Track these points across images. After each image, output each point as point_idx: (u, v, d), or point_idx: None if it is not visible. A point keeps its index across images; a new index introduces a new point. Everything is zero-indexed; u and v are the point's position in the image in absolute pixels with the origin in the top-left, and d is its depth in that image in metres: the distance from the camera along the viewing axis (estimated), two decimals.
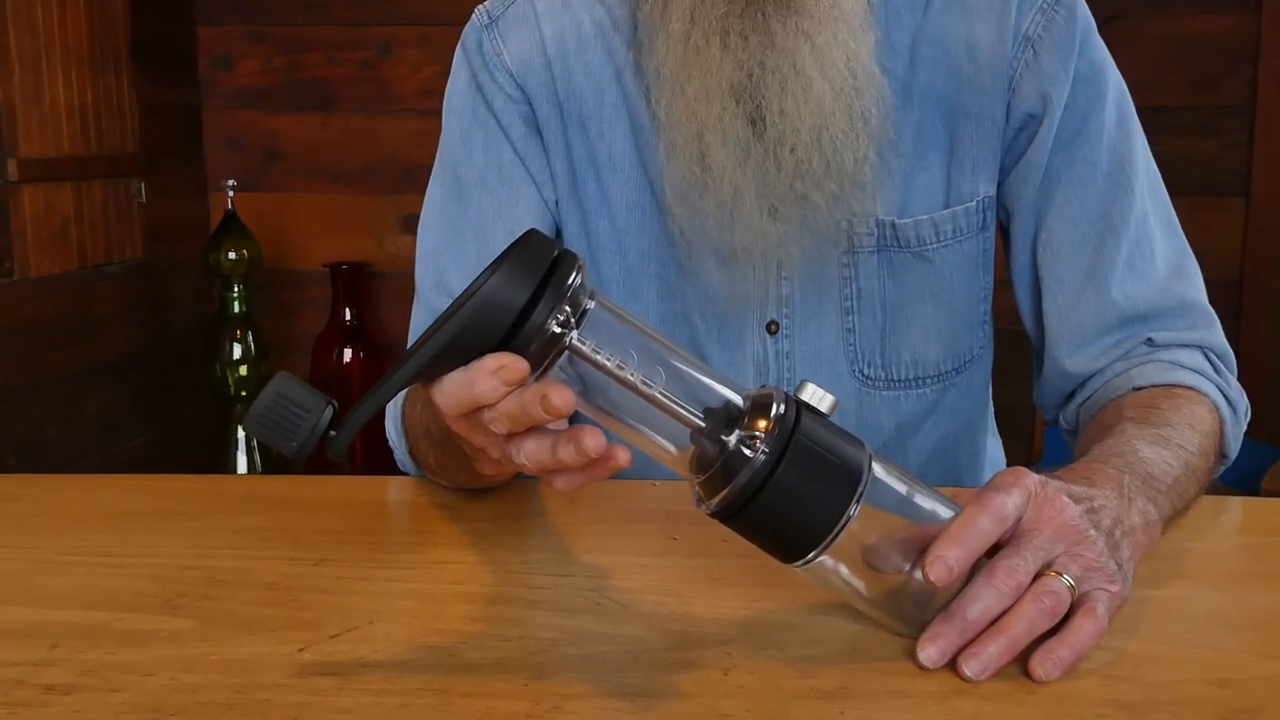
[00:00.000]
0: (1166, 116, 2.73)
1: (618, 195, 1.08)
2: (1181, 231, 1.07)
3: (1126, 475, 0.79)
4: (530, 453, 0.63)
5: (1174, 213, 1.08)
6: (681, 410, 0.63)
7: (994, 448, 1.24)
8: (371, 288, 2.99)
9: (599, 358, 0.62)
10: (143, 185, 2.67)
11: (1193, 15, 2.76)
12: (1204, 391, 0.98)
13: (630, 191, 1.07)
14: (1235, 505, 1.01)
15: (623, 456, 0.61)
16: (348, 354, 2.88)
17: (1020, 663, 0.67)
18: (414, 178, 2.87)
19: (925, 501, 0.69)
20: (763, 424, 0.63)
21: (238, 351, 2.78)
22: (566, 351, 0.62)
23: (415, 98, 2.94)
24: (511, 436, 0.63)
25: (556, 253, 0.63)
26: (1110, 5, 2.61)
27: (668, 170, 1.01)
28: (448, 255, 1.10)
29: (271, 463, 2.81)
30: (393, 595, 0.80)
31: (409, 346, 0.65)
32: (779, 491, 0.63)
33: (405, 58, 2.94)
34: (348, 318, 2.89)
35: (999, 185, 1.07)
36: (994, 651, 0.66)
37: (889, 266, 1.06)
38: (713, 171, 0.98)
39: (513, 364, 0.60)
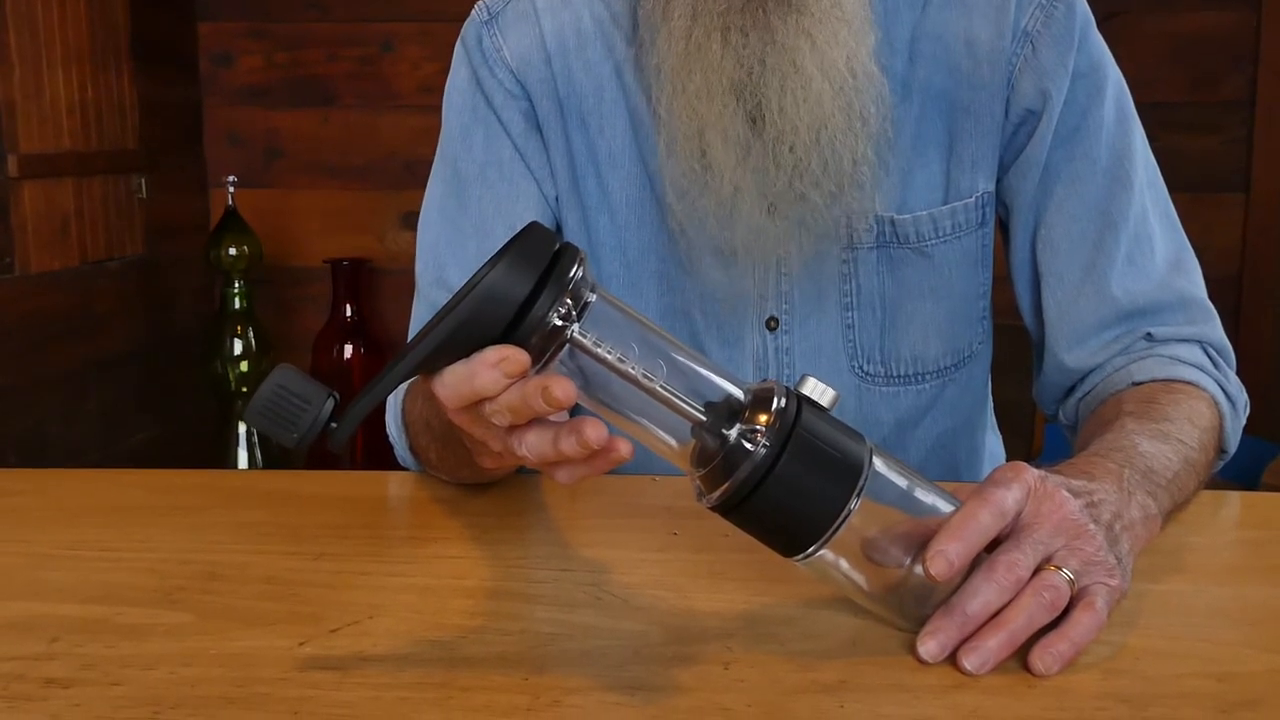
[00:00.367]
0: (1166, 113, 2.72)
1: (618, 192, 1.08)
2: (1180, 227, 1.07)
3: (1126, 469, 0.79)
4: (532, 445, 0.63)
5: (1173, 208, 1.08)
6: (682, 404, 0.63)
7: (994, 443, 1.25)
8: (372, 284, 2.99)
9: (600, 351, 0.62)
10: (143, 181, 2.67)
11: (1192, 12, 2.76)
12: (1203, 386, 0.98)
13: (630, 188, 1.08)
14: (1235, 500, 1.01)
15: (624, 448, 0.61)
16: (348, 350, 2.88)
17: (1020, 656, 0.67)
18: (415, 174, 2.87)
19: (925, 496, 0.69)
20: (764, 418, 0.63)
21: (238, 348, 2.78)
22: (568, 345, 0.62)
23: (416, 94, 2.94)
24: (513, 429, 0.63)
25: (558, 245, 0.63)
26: (1110, 2, 2.61)
27: (668, 167, 1.01)
28: (448, 251, 1.10)
29: (272, 460, 2.81)
30: (393, 589, 0.80)
31: (409, 341, 0.64)
32: (780, 485, 0.63)
33: (406, 54, 2.94)
34: (348, 314, 2.89)
35: (998, 181, 1.07)
36: (994, 645, 0.66)
37: (888, 262, 1.06)
38: (713, 169, 0.98)
39: (514, 356, 0.60)
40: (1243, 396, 1.03)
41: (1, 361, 2.25)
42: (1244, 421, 1.03)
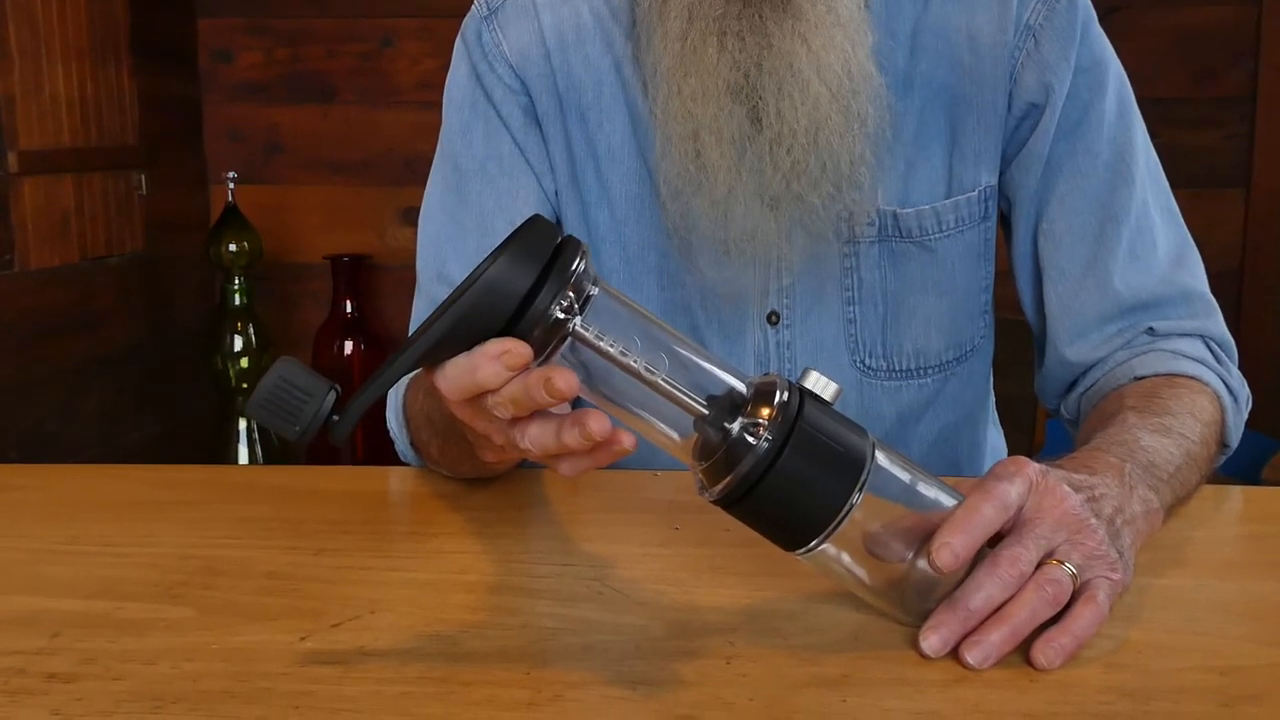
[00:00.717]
0: (1167, 108, 2.72)
1: (617, 186, 1.08)
2: (1182, 220, 1.07)
3: (1128, 464, 0.79)
4: (534, 437, 0.63)
5: (1174, 202, 1.08)
6: (685, 397, 0.63)
7: (995, 438, 1.25)
8: (372, 280, 2.98)
9: (602, 344, 0.62)
10: (143, 178, 2.67)
11: (1193, 6, 2.75)
12: (1205, 381, 0.98)
13: (630, 183, 1.08)
14: (1236, 494, 1.01)
15: (627, 440, 0.61)
16: (349, 346, 2.88)
17: (1022, 651, 0.67)
18: (415, 170, 2.87)
19: (928, 490, 0.69)
20: (766, 411, 0.63)
21: (239, 344, 2.77)
22: (570, 338, 0.62)
23: (416, 90, 2.94)
24: (515, 421, 0.63)
25: (560, 239, 0.63)
26: None
27: (663, 166, 1.01)
28: (448, 246, 1.10)
29: (273, 455, 2.81)
30: (394, 584, 0.80)
31: (410, 335, 0.64)
32: (782, 479, 0.63)
33: (405, 50, 2.94)
34: (349, 310, 2.89)
35: (1000, 175, 1.07)
36: (996, 640, 0.66)
37: (890, 257, 1.06)
38: (707, 170, 0.99)
39: (516, 348, 0.60)
40: (1245, 391, 1.02)
41: (2, 358, 2.25)
42: (1246, 416, 1.03)
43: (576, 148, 1.08)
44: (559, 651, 0.69)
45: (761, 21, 0.95)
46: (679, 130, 0.99)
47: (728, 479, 0.63)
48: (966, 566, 0.68)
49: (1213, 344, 1.03)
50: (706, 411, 0.63)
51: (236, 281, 2.77)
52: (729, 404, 0.64)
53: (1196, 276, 1.05)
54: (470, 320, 0.60)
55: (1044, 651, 0.66)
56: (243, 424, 2.80)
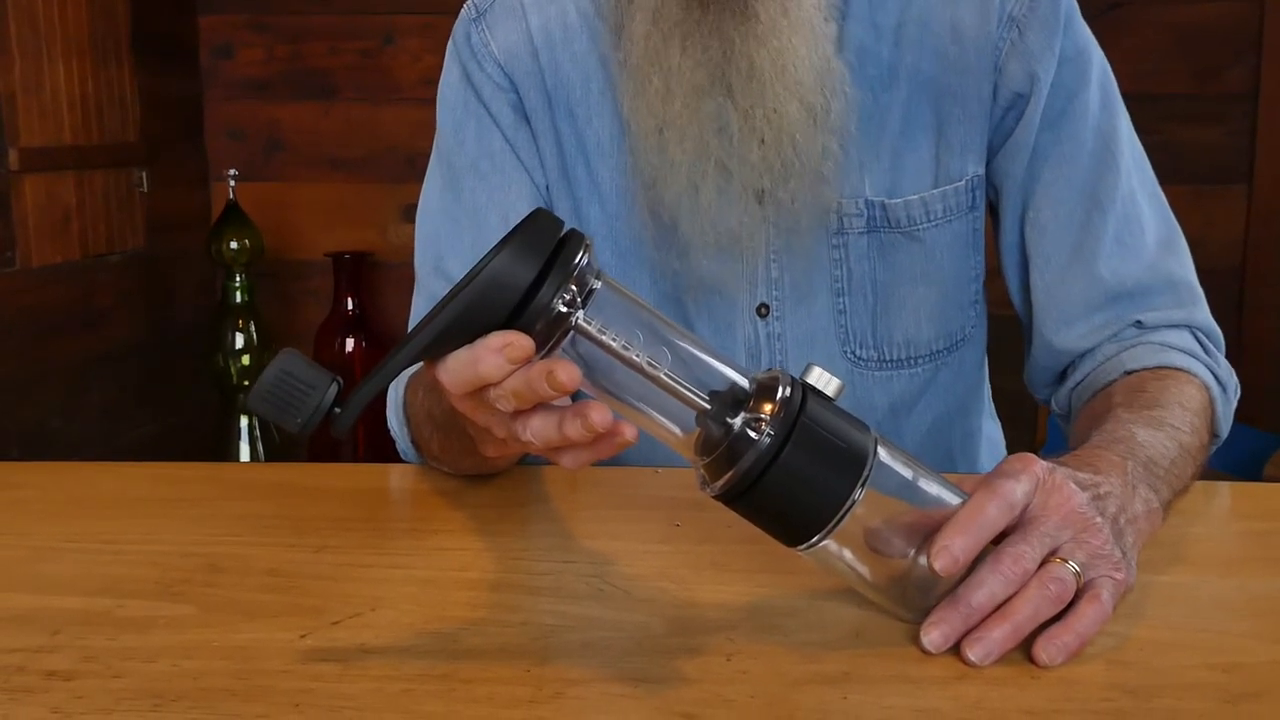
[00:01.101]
0: (1169, 104, 2.72)
1: (607, 181, 1.09)
2: (1169, 210, 1.08)
3: (1129, 461, 0.79)
4: (536, 430, 0.63)
5: (1161, 191, 1.08)
6: (687, 392, 0.63)
7: (991, 429, 1.25)
8: (374, 277, 2.98)
9: (604, 338, 0.62)
10: (144, 175, 2.67)
11: (1195, 3, 2.75)
12: (1194, 372, 0.99)
13: (619, 177, 1.09)
14: (1238, 492, 1.01)
15: (629, 432, 0.61)
16: (350, 344, 2.88)
17: (1024, 648, 0.67)
18: (416, 167, 2.86)
19: (930, 487, 0.69)
20: (768, 407, 0.63)
21: (240, 341, 2.77)
22: (572, 331, 0.61)
23: (417, 87, 2.93)
24: (517, 415, 0.63)
25: (563, 232, 0.62)
26: None
27: (637, 158, 1.04)
28: (445, 243, 1.11)
29: (274, 453, 2.81)
30: (395, 582, 0.79)
31: (411, 330, 0.64)
32: (784, 474, 0.63)
33: (406, 47, 2.94)
34: (350, 307, 2.89)
35: (987, 165, 1.08)
36: (998, 636, 0.66)
37: (879, 247, 1.07)
38: (672, 166, 1.01)
39: (518, 341, 0.60)
40: (1233, 380, 1.03)
41: (3, 355, 2.25)
42: (1235, 405, 1.03)
43: (566, 143, 1.10)
44: (560, 649, 0.69)
45: (720, 26, 0.97)
46: (644, 125, 1.01)
47: (730, 474, 0.63)
48: (969, 564, 0.68)
49: (1200, 334, 1.04)
50: (708, 406, 0.63)
51: (238, 279, 2.77)
52: (731, 399, 0.64)
53: (1184, 265, 1.06)
54: (473, 313, 0.60)
55: (1046, 648, 0.66)
56: (244, 421, 2.80)
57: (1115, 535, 0.71)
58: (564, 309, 0.61)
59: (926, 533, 0.67)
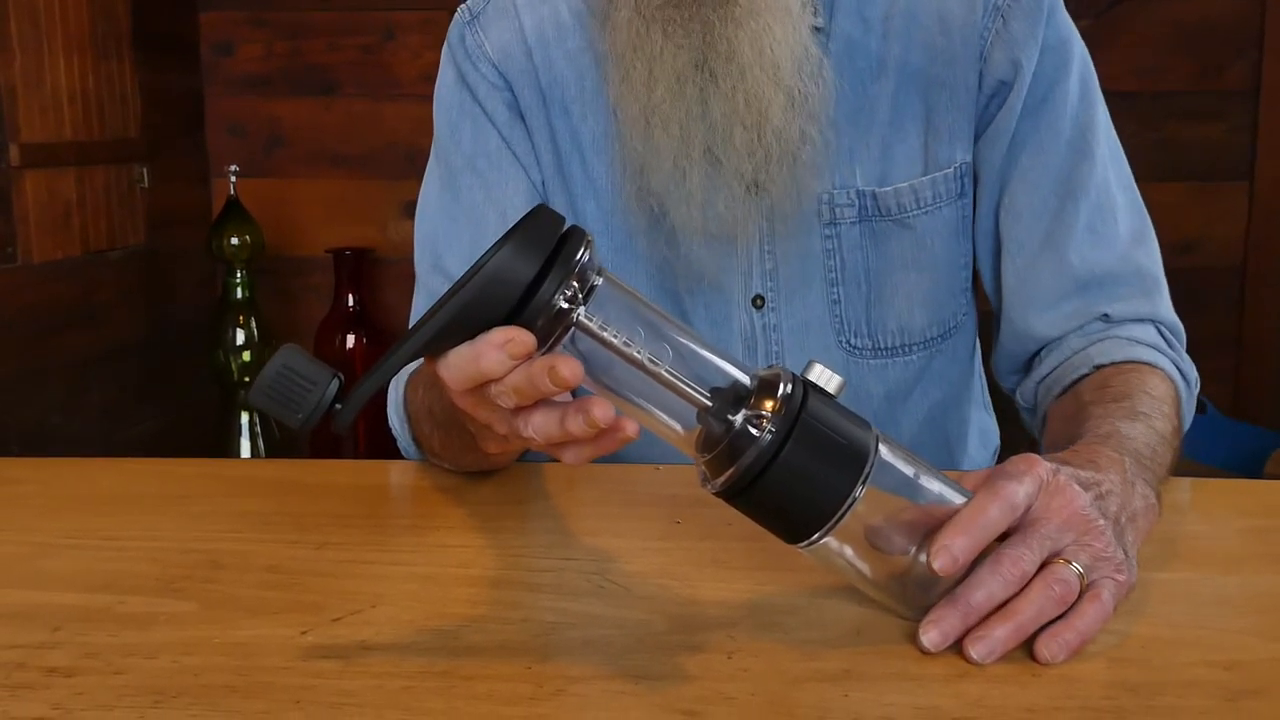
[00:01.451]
0: (1171, 101, 2.72)
1: (602, 177, 1.10)
2: (1142, 203, 1.09)
3: (1126, 458, 0.79)
4: (538, 426, 0.63)
5: (1135, 185, 1.09)
6: (688, 389, 0.63)
7: (985, 420, 1.27)
8: (374, 273, 2.98)
9: (606, 334, 0.62)
10: (145, 171, 2.66)
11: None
12: (1159, 365, 1.00)
13: (614, 173, 1.10)
14: (1239, 489, 1.01)
15: (631, 428, 0.61)
16: (350, 340, 2.88)
17: (1025, 646, 0.67)
18: (416, 163, 2.85)
19: (932, 484, 0.68)
20: (769, 404, 0.63)
21: (241, 338, 2.77)
22: (573, 327, 0.61)
23: (417, 83, 2.93)
24: (518, 411, 0.63)
25: (565, 228, 0.62)
26: None
27: (627, 148, 1.05)
28: (444, 241, 1.12)
29: (275, 449, 2.81)
30: (395, 578, 0.80)
31: (411, 327, 0.64)
32: (785, 471, 0.63)
33: (407, 42, 2.93)
34: (351, 304, 2.89)
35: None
36: (1001, 635, 0.66)
37: (871, 236, 1.08)
38: (659, 153, 1.02)
39: (520, 337, 0.60)
40: (1194, 374, 1.05)
41: (3, 351, 2.24)
42: (1196, 398, 1.05)
43: (561, 141, 1.11)
44: (560, 646, 0.69)
45: (700, 11, 0.98)
46: (630, 112, 1.02)
47: (730, 471, 0.63)
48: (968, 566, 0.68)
49: (1163, 329, 1.05)
50: (710, 403, 0.63)
51: (238, 275, 2.77)
52: (732, 396, 0.64)
53: (1152, 258, 1.07)
54: (474, 309, 0.60)
55: (1048, 646, 0.66)
56: (245, 418, 2.80)
57: (1117, 535, 0.71)
58: (565, 305, 0.61)
59: (927, 531, 0.67)
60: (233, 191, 2.76)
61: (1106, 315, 1.04)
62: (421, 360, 0.64)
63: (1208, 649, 0.68)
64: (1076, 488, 0.71)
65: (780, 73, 0.99)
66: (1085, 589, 0.69)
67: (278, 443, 2.81)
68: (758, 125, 1.00)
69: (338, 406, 0.61)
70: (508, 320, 0.61)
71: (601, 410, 0.60)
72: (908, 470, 0.67)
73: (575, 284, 0.61)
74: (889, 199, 1.07)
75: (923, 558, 0.67)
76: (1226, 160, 2.74)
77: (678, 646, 0.69)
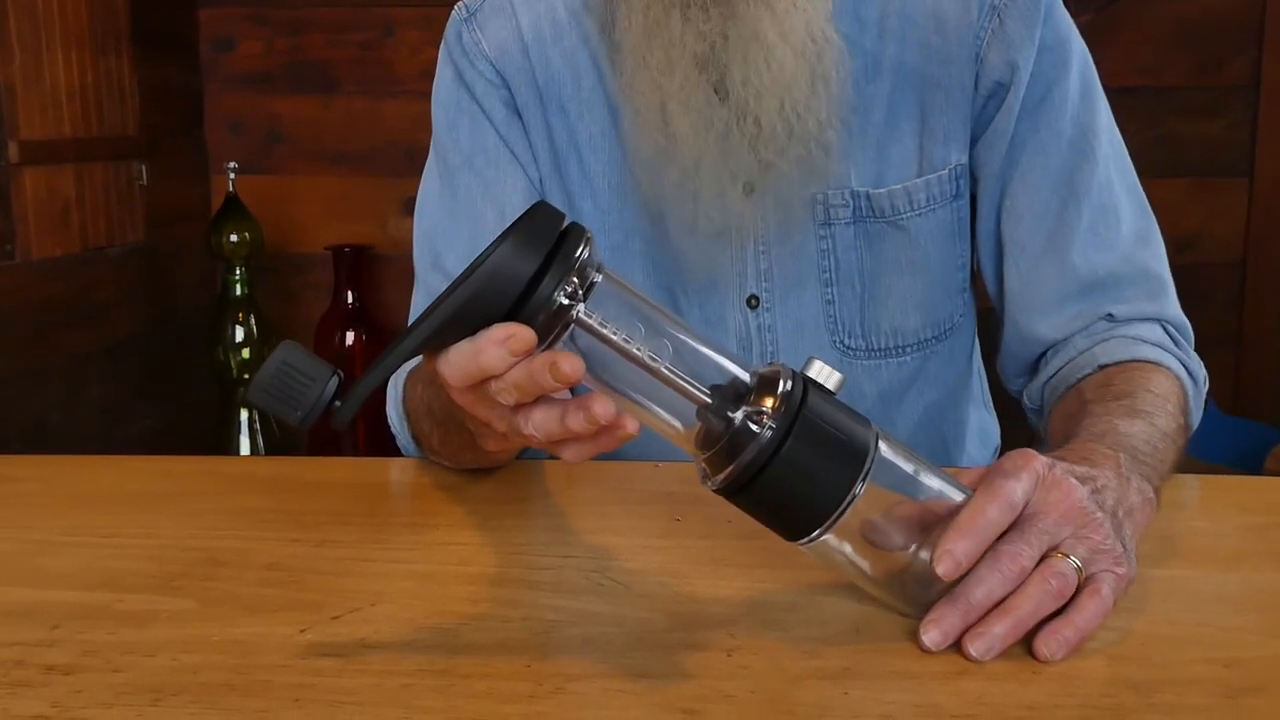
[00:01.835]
0: (1171, 97, 2.71)
1: (600, 176, 1.10)
2: (1147, 203, 1.09)
3: (1121, 454, 0.79)
4: (538, 423, 0.62)
5: (1139, 184, 1.09)
6: (688, 386, 0.63)
7: (985, 419, 1.26)
8: (374, 271, 2.98)
9: (605, 331, 0.62)
10: (144, 168, 2.66)
11: None
12: (1164, 364, 0.99)
13: (612, 172, 1.10)
14: (1240, 485, 1.01)
15: (631, 425, 0.61)
16: (350, 337, 2.88)
17: (1025, 643, 0.67)
18: (416, 160, 2.84)
19: (932, 481, 0.68)
20: (769, 401, 0.63)
21: (240, 335, 2.77)
22: (573, 324, 0.61)
23: (417, 79, 2.93)
24: (518, 408, 0.63)
25: (565, 225, 0.62)
26: None
27: (632, 140, 1.04)
28: (442, 239, 1.12)
29: (274, 446, 2.81)
30: (395, 576, 0.79)
31: (411, 324, 0.64)
32: (785, 468, 0.62)
33: (406, 39, 2.93)
34: (350, 301, 2.89)
35: (969, 154, 1.08)
36: (1000, 632, 0.66)
37: (865, 237, 1.08)
38: (677, 141, 1.01)
39: (520, 333, 0.60)
40: (1202, 372, 1.04)
41: (3, 348, 2.24)
42: (1204, 396, 1.04)
43: (558, 139, 1.11)
44: (560, 644, 0.69)
45: None
46: (646, 102, 1.01)
47: (730, 468, 0.63)
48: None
49: (1170, 327, 1.05)
50: (709, 400, 0.63)
51: (238, 272, 2.77)
52: (732, 393, 0.63)
53: (1158, 258, 1.07)
54: (474, 306, 0.60)
55: (1047, 643, 0.66)
56: (244, 415, 2.80)
57: (1115, 529, 0.71)
58: (565, 302, 0.61)
59: (927, 527, 0.67)
60: (232, 188, 2.76)
61: (1111, 315, 1.04)
62: (421, 357, 0.64)
63: (1208, 646, 0.68)
64: (1073, 481, 0.71)
65: (805, 55, 0.98)
66: (1084, 583, 0.69)
67: (277, 440, 2.81)
68: (780, 110, 0.99)
69: (337, 404, 0.61)
70: (508, 317, 0.60)
71: (602, 407, 0.60)
72: (907, 467, 0.67)
73: (575, 280, 0.61)
74: (883, 200, 1.07)
75: (923, 555, 0.67)
76: (1226, 156, 2.74)
77: (677, 644, 0.69)
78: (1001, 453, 1.24)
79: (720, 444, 0.63)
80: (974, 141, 1.08)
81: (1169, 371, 0.98)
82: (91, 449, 2.45)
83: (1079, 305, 1.04)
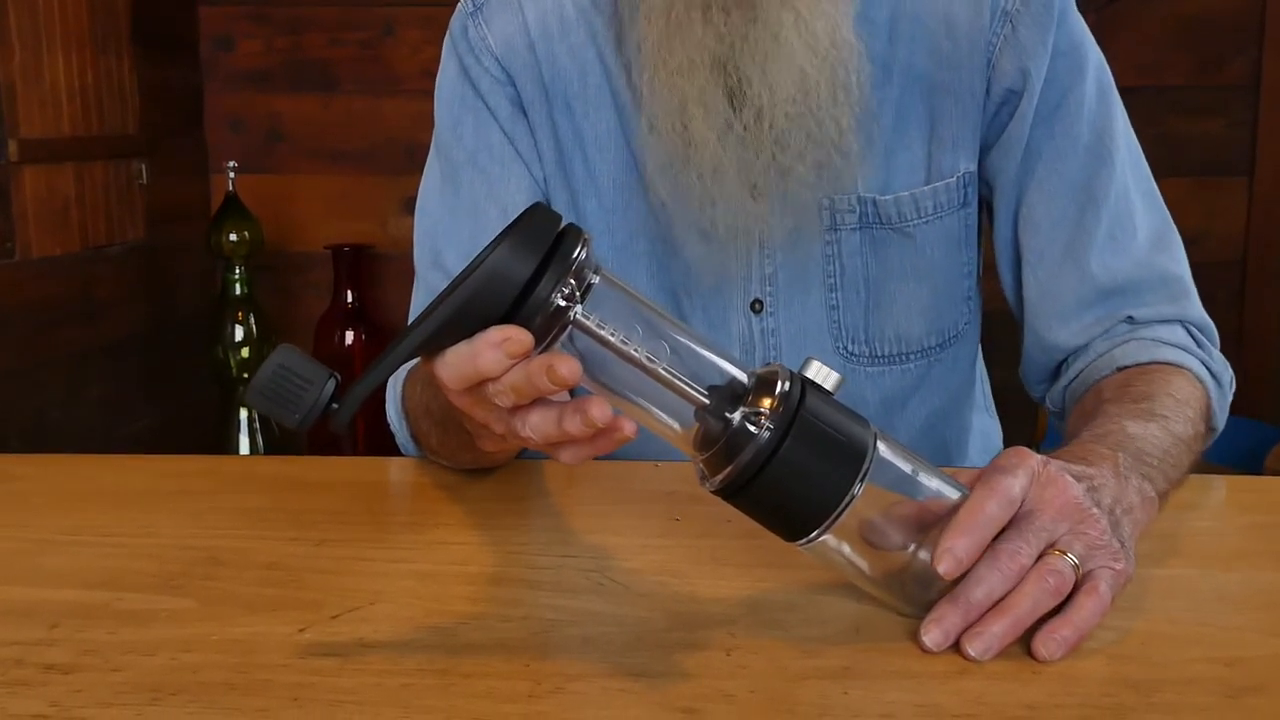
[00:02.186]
0: (1171, 96, 2.71)
1: (604, 175, 1.09)
2: (1164, 205, 1.08)
3: (1120, 454, 0.79)
4: (535, 425, 0.62)
5: (1156, 186, 1.08)
6: (686, 387, 0.63)
7: (988, 424, 1.26)
8: (374, 270, 2.98)
9: (603, 333, 0.62)
10: (144, 167, 2.66)
11: None
12: (1186, 366, 0.99)
13: (617, 171, 1.09)
14: (1240, 484, 1.01)
15: (628, 427, 0.61)
16: (350, 336, 2.88)
17: (1024, 642, 0.67)
18: (416, 159, 2.84)
19: (930, 481, 0.68)
20: (768, 401, 0.63)
21: (240, 334, 2.77)
22: (570, 326, 0.61)
23: (417, 78, 2.93)
24: (516, 410, 0.63)
25: (562, 226, 0.62)
26: None
27: (650, 144, 1.03)
28: (444, 237, 1.11)
29: (274, 446, 2.81)
30: (394, 575, 0.79)
31: (409, 324, 0.64)
32: (783, 469, 0.62)
33: (406, 38, 2.93)
34: (350, 300, 2.89)
35: (981, 161, 1.08)
36: (998, 631, 0.66)
37: (871, 243, 1.07)
38: (695, 144, 1.00)
39: (517, 336, 0.60)
40: (1228, 373, 1.03)
41: (2, 347, 2.24)
42: (1230, 397, 1.03)
43: (564, 137, 1.10)
44: (559, 643, 0.69)
45: None
46: (665, 105, 1.00)
47: (729, 469, 0.63)
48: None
49: (1192, 328, 1.04)
50: (708, 401, 0.63)
51: (237, 271, 2.76)
52: (730, 394, 0.63)
53: (1177, 260, 1.06)
54: (471, 308, 0.60)
55: (1046, 643, 0.66)
56: (244, 414, 2.80)
57: (1112, 525, 0.71)
58: (562, 303, 0.61)
59: (926, 527, 0.67)
60: (232, 187, 2.76)
61: (1131, 318, 1.03)
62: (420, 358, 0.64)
63: (1208, 645, 0.68)
64: (1069, 478, 0.71)
65: (827, 60, 0.97)
66: (1082, 579, 0.69)
67: (277, 439, 2.81)
68: (799, 114, 0.97)
69: (334, 406, 0.61)
70: (505, 319, 0.60)
71: (599, 410, 0.59)
72: (906, 467, 0.67)
73: (573, 282, 0.61)
74: (889, 207, 1.06)
75: (922, 554, 0.67)
76: (1227, 155, 2.74)
77: (677, 644, 0.69)
78: None
79: (718, 445, 0.63)
80: (987, 149, 1.07)
81: (1190, 374, 0.98)
82: (91, 448, 2.45)
83: (1098, 311, 1.04)
